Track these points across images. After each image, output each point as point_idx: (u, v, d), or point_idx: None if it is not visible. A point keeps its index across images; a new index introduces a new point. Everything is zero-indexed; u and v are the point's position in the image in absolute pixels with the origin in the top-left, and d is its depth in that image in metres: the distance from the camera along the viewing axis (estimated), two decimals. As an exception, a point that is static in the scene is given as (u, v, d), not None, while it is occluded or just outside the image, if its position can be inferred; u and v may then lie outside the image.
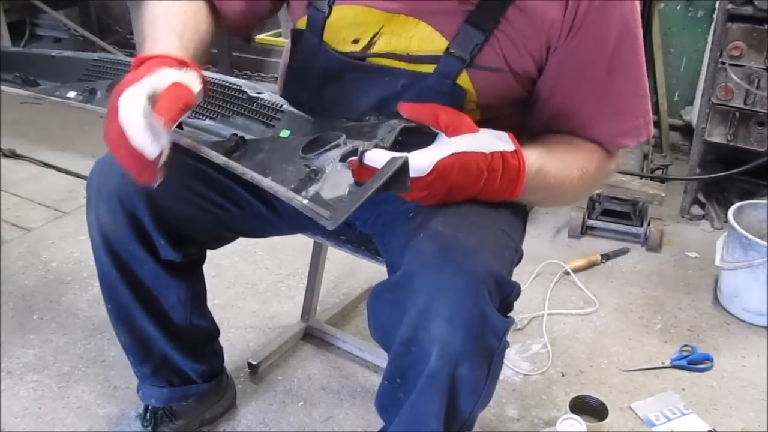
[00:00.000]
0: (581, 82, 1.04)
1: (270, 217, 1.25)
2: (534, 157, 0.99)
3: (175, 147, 0.90)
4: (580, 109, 1.06)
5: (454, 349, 0.92)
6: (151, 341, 1.27)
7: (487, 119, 1.04)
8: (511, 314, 0.99)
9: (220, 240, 1.28)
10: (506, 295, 0.95)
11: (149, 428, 1.37)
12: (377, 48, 1.05)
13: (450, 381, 0.95)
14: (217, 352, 1.44)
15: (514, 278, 0.97)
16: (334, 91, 1.11)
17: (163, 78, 0.89)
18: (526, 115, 1.12)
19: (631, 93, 1.06)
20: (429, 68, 1.03)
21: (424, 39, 1.02)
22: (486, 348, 0.95)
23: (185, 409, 1.40)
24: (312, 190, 0.87)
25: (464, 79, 1.02)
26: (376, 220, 1.25)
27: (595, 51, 1.01)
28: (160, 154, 0.85)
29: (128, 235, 1.14)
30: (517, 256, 1.04)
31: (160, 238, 1.16)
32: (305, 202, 0.85)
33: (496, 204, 1.02)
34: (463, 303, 0.90)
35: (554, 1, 0.98)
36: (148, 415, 1.38)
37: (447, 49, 1.01)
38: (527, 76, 1.04)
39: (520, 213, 1.15)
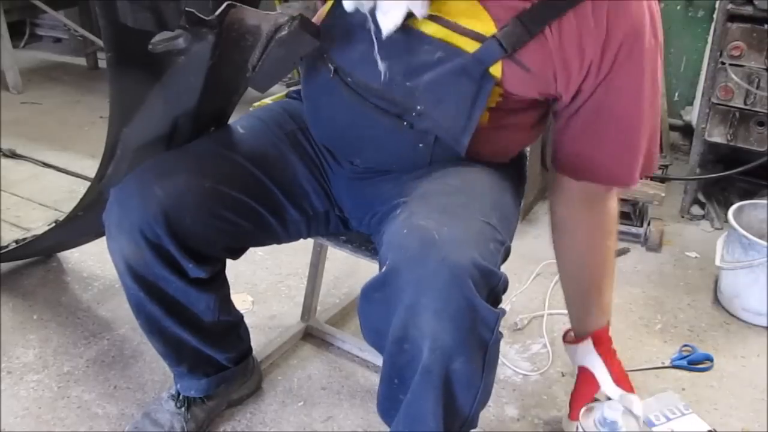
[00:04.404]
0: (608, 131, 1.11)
1: (278, 228, 1.28)
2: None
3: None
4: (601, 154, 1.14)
5: (445, 343, 0.92)
6: (183, 344, 1.31)
7: (504, 108, 1.08)
8: (501, 305, 0.99)
9: (238, 252, 1.32)
10: (493, 285, 0.95)
11: (182, 409, 1.40)
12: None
13: (444, 376, 0.95)
14: (243, 337, 1.47)
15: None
16: (370, 53, 1.08)
17: None
18: (534, 120, 1.17)
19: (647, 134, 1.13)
20: (469, 45, 1.03)
21: (473, 17, 1.02)
22: (478, 340, 0.95)
23: (216, 392, 1.44)
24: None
25: (496, 69, 1.03)
26: (370, 221, 1.25)
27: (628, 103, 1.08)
28: None
29: (154, 262, 1.17)
30: (504, 249, 1.04)
31: (188, 262, 1.19)
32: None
33: (484, 196, 1.04)
34: (449, 295, 0.90)
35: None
36: (180, 396, 1.41)
37: (494, 35, 1.01)
38: (552, 86, 1.06)
39: (513, 208, 1.16)
